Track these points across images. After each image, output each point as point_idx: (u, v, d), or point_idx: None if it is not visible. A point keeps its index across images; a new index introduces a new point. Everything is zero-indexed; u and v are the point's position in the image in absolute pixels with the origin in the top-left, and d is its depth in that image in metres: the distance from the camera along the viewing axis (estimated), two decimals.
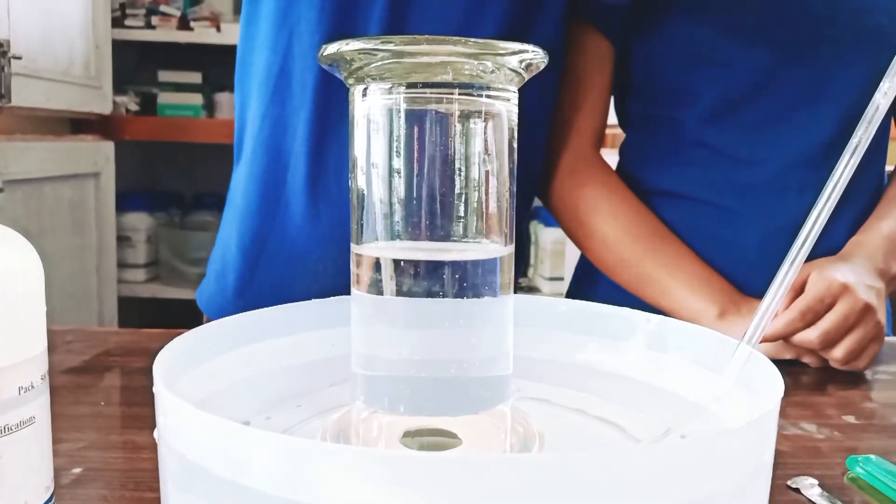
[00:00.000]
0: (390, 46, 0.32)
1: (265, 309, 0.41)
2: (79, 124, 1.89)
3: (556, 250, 2.08)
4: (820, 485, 0.43)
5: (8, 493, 0.29)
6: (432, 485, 0.23)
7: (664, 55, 0.77)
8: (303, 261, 0.70)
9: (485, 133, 0.34)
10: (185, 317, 0.85)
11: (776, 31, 0.73)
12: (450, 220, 0.34)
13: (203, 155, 2.28)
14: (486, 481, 0.23)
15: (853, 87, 0.72)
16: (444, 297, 0.34)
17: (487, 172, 0.35)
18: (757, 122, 0.74)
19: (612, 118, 0.84)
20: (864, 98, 0.37)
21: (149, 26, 2.05)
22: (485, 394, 0.36)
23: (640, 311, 0.43)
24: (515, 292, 0.38)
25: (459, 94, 0.33)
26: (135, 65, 2.26)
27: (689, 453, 0.25)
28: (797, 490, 0.42)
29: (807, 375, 0.64)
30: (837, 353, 0.63)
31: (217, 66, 2.13)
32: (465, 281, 0.34)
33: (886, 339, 0.67)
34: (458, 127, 0.34)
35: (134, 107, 2.10)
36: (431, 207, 0.34)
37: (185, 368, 0.35)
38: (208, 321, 0.39)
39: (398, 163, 0.34)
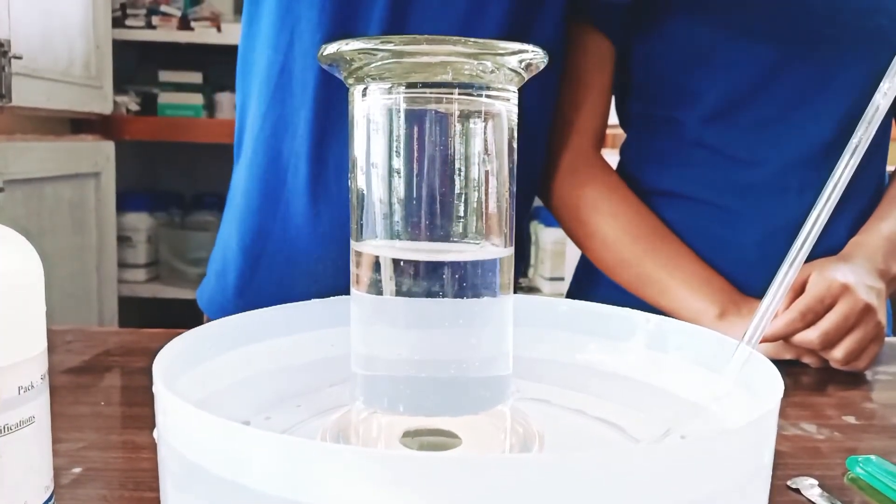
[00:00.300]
0: (390, 46, 0.32)
1: (265, 309, 0.41)
2: (79, 124, 1.89)
3: (556, 250, 2.08)
4: (820, 485, 0.43)
5: (8, 493, 0.29)
6: (432, 485, 0.23)
7: (664, 55, 0.77)
8: (303, 261, 0.70)
9: (484, 133, 0.34)
10: (186, 317, 0.85)
11: (777, 31, 0.73)
12: (449, 220, 0.34)
13: (203, 155, 2.28)
14: (485, 481, 0.23)
15: (853, 87, 0.72)
16: (443, 297, 0.34)
17: (487, 172, 0.35)
18: (757, 123, 0.74)
19: (613, 118, 0.84)
20: (865, 98, 0.37)
21: (149, 26, 2.05)
22: (485, 394, 0.36)
23: (639, 312, 0.43)
24: (515, 292, 0.38)
25: (459, 93, 0.33)
26: (135, 65, 2.26)
27: (689, 453, 0.25)
28: (797, 490, 0.42)
29: (807, 376, 0.64)
30: (838, 353, 0.63)
31: (217, 66, 2.13)
32: (465, 281, 0.34)
33: (887, 339, 0.67)
34: (458, 127, 0.34)
35: (134, 107, 2.10)
36: (431, 207, 0.34)
37: (184, 368, 0.35)
38: (209, 321, 0.39)
39: (398, 163, 0.34)
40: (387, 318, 0.35)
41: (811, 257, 0.51)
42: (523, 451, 0.35)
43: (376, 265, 0.35)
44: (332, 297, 0.43)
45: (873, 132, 0.36)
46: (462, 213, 0.34)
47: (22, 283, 0.30)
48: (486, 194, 0.35)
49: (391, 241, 0.34)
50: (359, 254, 0.36)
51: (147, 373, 0.30)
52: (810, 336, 0.62)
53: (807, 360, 0.66)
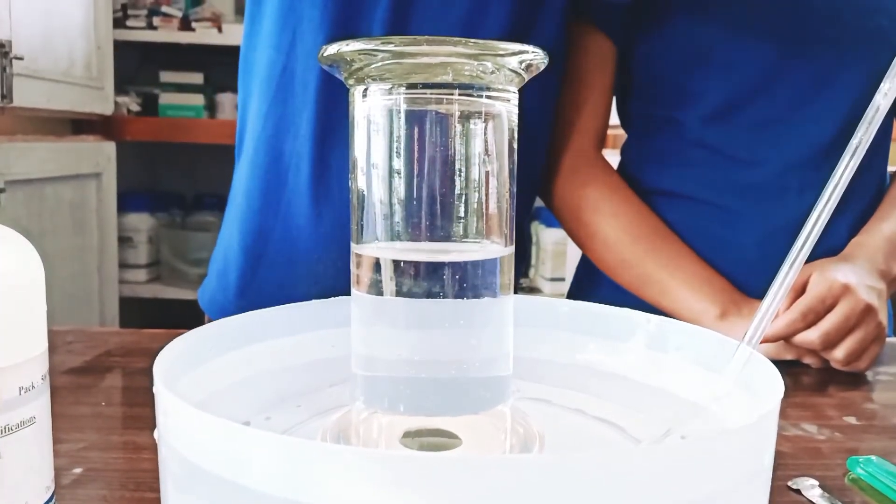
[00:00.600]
0: (390, 47, 0.32)
1: (265, 309, 0.41)
2: (80, 125, 1.90)
3: (557, 251, 2.08)
4: (820, 486, 0.43)
5: (8, 493, 0.29)
6: (432, 485, 0.23)
7: (665, 55, 0.77)
8: (304, 261, 0.70)
9: (485, 134, 0.34)
10: (187, 317, 0.85)
11: (777, 31, 0.73)
12: (450, 221, 0.34)
13: (204, 155, 2.28)
14: (486, 482, 0.23)
15: (854, 87, 0.72)
16: (444, 297, 0.34)
17: (487, 173, 0.35)
18: (757, 123, 0.74)
19: (614, 119, 0.84)
20: (865, 99, 0.37)
21: (150, 27, 2.05)
22: (485, 394, 0.36)
23: (640, 312, 0.43)
24: (516, 293, 0.38)
25: (459, 94, 0.33)
26: (136, 65, 2.26)
27: (689, 454, 0.25)
28: (798, 491, 0.42)
29: (807, 376, 0.64)
30: (838, 353, 0.63)
31: (218, 66, 2.13)
32: (465, 281, 0.34)
33: (887, 340, 0.67)
34: (458, 127, 0.34)
35: (135, 107, 2.10)
36: (431, 208, 0.34)
37: (185, 369, 0.35)
38: (210, 321, 0.39)
39: (398, 163, 0.34)
40: (387, 318, 0.36)
41: (812, 258, 0.51)
42: (523, 452, 0.35)
43: (377, 266, 0.35)
44: (332, 298, 0.43)
45: (873, 133, 0.36)
46: (462, 214, 0.34)
47: (23, 283, 0.30)
48: (487, 195, 0.35)
49: (391, 242, 0.34)
50: (359, 254, 0.36)
51: (148, 373, 0.30)
52: (811, 336, 0.62)
53: (807, 360, 0.66)
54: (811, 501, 0.41)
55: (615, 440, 0.39)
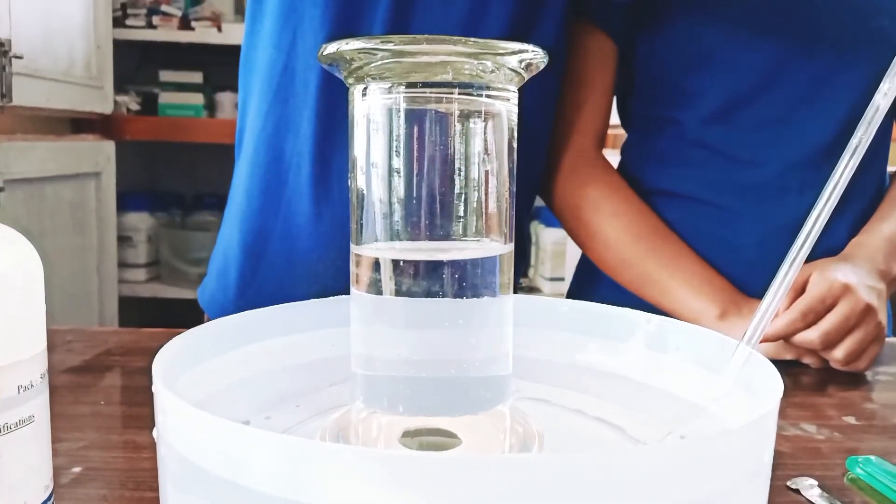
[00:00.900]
0: (390, 46, 0.32)
1: (265, 308, 0.41)
2: (80, 124, 1.90)
3: (556, 251, 2.08)
4: (820, 486, 0.43)
5: (7, 493, 0.29)
6: (432, 485, 0.23)
7: (665, 55, 0.77)
8: (304, 260, 0.70)
9: (484, 133, 0.34)
10: (186, 317, 0.85)
11: (778, 31, 0.73)
12: (449, 220, 0.34)
13: (204, 155, 2.28)
14: (485, 481, 0.23)
15: (854, 88, 0.72)
16: (443, 297, 0.34)
17: (487, 172, 0.34)
18: (758, 123, 0.74)
19: (615, 118, 0.84)
20: (866, 99, 0.37)
21: (150, 26, 2.05)
22: (484, 394, 0.36)
23: (640, 312, 0.43)
24: (516, 292, 0.38)
25: (459, 93, 0.33)
26: (136, 64, 2.26)
27: (689, 454, 0.25)
28: (797, 491, 0.42)
29: (807, 376, 0.64)
30: (838, 353, 0.63)
31: (218, 66, 2.13)
32: (465, 281, 0.34)
33: (887, 340, 0.67)
34: (458, 127, 0.34)
35: (135, 106, 2.10)
36: (431, 207, 0.34)
37: (184, 368, 0.35)
38: (209, 320, 0.39)
39: (398, 162, 0.34)
40: (387, 318, 0.35)
41: (812, 258, 0.51)
42: (523, 452, 0.35)
43: (376, 265, 0.35)
44: (332, 297, 0.43)
45: (873, 133, 0.36)
46: (462, 213, 0.34)
47: (22, 282, 0.30)
48: (486, 194, 0.35)
49: (391, 241, 0.34)
50: (358, 254, 0.36)
51: (147, 372, 0.30)
52: (811, 336, 0.62)
53: (807, 360, 0.66)
54: (810, 501, 0.41)
55: (615, 440, 0.39)
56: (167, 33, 2.05)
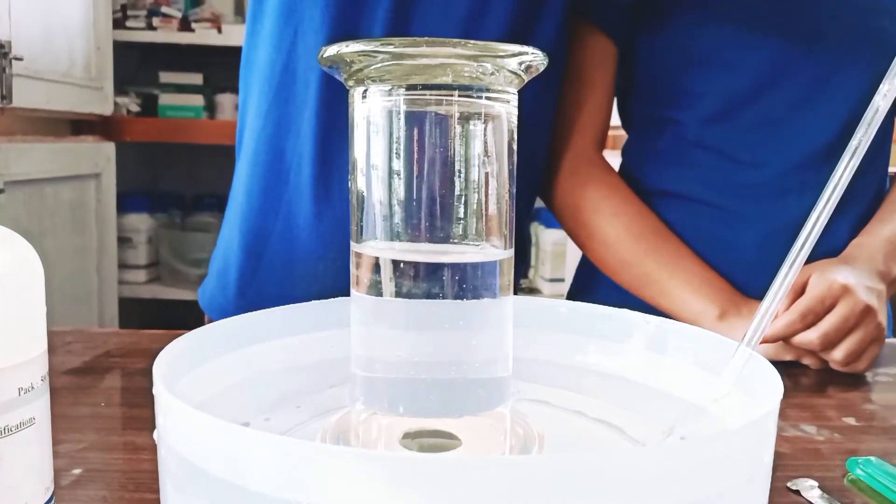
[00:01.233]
0: (390, 48, 0.32)
1: (265, 310, 0.41)
2: (80, 125, 1.90)
3: (556, 252, 2.08)
4: (820, 487, 0.43)
5: (8, 494, 0.29)
6: (432, 486, 0.23)
7: (666, 55, 0.77)
8: (305, 260, 0.70)
9: (484, 135, 0.34)
10: (186, 318, 0.85)
11: (779, 31, 0.73)
12: (449, 222, 0.34)
13: (204, 156, 2.28)
14: (485, 483, 0.23)
15: (855, 88, 0.72)
16: (443, 298, 0.34)
17: (487, 174, 0.35)
18: (758, 124, 0.75)
19: (615, 119, 0.84)
20: (866, 100, 0.37)
21: (150, 27, 2.05)
22: (484, 395, 0.36)
23: (639, 313, 0.43)
24: (516, 294, 0.38)
25: (459, 96, 0.33)
26: (136, 66, 2.26)
27: (689, 455, 0.25)
28: (797, 492, 0.42)
29: (807, 377, 0.64)
30: (837, 354, 0.63)
31: (218, 67, 2.13)
32: (465, 282, 0.34)
33: (887, 341, 0.67)
34: (458, 129, 0.34)
35: (135, 108, 2.10)
36: (431, 209, 0.34)
37: (184, 369, 0.35)
38: (210, 321, 0.39)
39: (398, 165, 0.34)
40: (387, 319, 0.36)
41: (812, 259, 0.51)
42: (523, 453, 0.35)
43: (376, 267, 0.35)
44: (332, 299, 0.43)
45: (873, 134, 0.36)
46: (462, 215, 0.34)
47: (22, 283, 0.30)
48: (486, 196, 0.35)
49: (391, 243, 0.34)
50: (359, 255, 0.36)
51: (147, 374, 0.30)
52: (810, 337, 0.62)
53: (807, 361, 0.66)
54: (810, 502, 0.41)
55: (615, 441, 0.39)
56: (167, 35, 2.05)
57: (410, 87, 0.33)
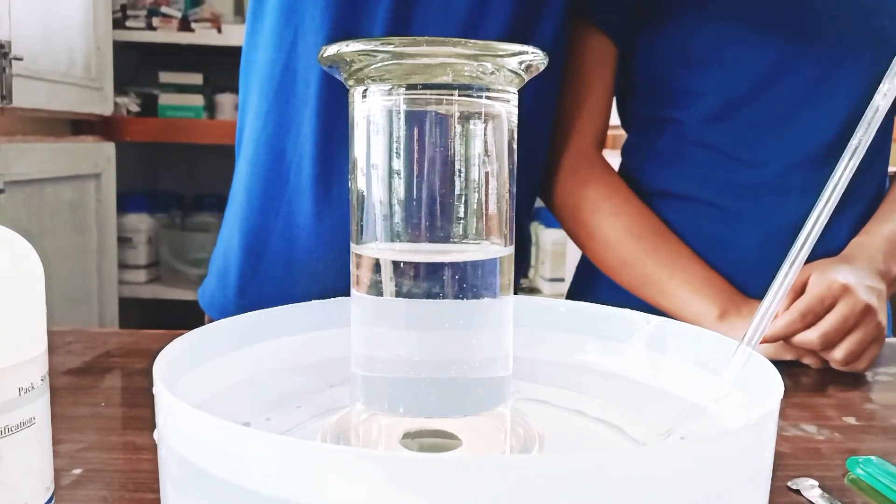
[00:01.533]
0: (390, 48, 0.32)
1: (265, 310, 0.41)
2: (79, 125, 1.90)
3: (556, 251, 2.08)
4: (820, 486, 0.43)
5: (8, 494, 0.29)
6: (432, 486, 0.23)
7: (666, 55, 0.77)
8: (305, 260, 0.70)
9: (484, 134, 0.34)
10: (187, 318, 0.85)
11: (779, 30, 0.73)
12: (449, 222, 0.34)
13: (204, 156, 2.28)
14: (485, 483, 0.23)
15: (855, 88, 0.72)
16: (443, 298, 0.34)
17: (487, 174, 0.35)
18: (759, 123, 0.74)
19: (615, 119, 0.84)
20: (867, 99, 0.37)
21: (150, 27, 2.05)
22: (485, 395, 0.36)
23: (639, 313, 0.43)
24: (516, 293, 0.38)
25: (459, 95, 0.33)
26: (136, 66, 2.26)
27: (689, 454, 0.25)
28: (797, 491, 0.42)
29: (807, 377, 0.64)
30: (838, 354, 0.63)
31: (218, 67, 2.13)
32: (465, 282, 0.34)
33: (887, 340, 0.67)
34: (458, 128, 0.34)
35: (135, 108, 2.10)
36: (431, 209, 0.34)
37: (185, 369, 0.35)
38: (210, 320, 0.39)
39: (398, 164, 0.34)
40: (387, 319, 0.36)
41: (812, 258, 0.51)
42: (523, 453, 0.35)
43: (376, 266, 0.35)
44: (332, 298, 0.43)
45: (873, 133, 0.36)
46: (462, 215, 0.34)
47: (22, 283, 0.30)
48: (486, 195, 0.35)
49: (391, 242, 0.34)
50: (359, 255, 0.36)
51: (147, 374, 0.30)
52: (810, 337, 0.62)
53: (807, 360, 0.66)
54: (811, 502, 0.41)
55: (615, 441, 0.39)
56: (167, 35, 2.05)
57: (410, 87, 0.33)
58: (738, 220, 0.75)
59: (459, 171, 0.34)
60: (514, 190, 0.36)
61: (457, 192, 0.34)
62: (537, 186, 0.80)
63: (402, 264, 0.34)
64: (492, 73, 0.33)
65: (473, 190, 0.34)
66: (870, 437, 0.51)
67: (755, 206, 0.75)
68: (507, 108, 0.35)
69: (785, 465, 0.46)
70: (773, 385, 0.31)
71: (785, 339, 0.63)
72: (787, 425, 0.52)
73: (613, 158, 0.83)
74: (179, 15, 2.06)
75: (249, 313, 0.40)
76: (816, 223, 0.36)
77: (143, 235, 2.13)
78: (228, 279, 0.74)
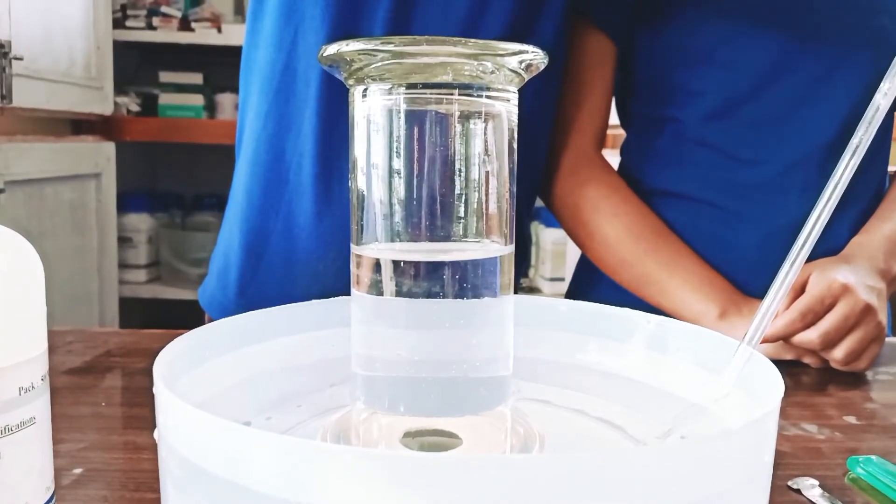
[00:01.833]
0: (390, 47, 0.32)
1: (265, 309, 0.41)
2: (80, 125, 1.90)
3: (556, 251, 2.08)
4: (821, 485, 0.43)
5: (8, 494, 0.29)
6: (432, 485, 0.23)
7: (665, 54, 0.77)
8: (305, 259, 0.70)
9: (485, 134, 0.34)
10: (187, 317, 0.85)
11: (779, 29, 0.73)
12: (450, 221, 0.34)
13: (204, 156, 2.28)
14: (486, 482, 0.23)
15: (856, 87, 0.72)
16: (444, 297, 0.34)
17: (487, 173, 0.35)
18: (759, 122, 0.74)
19: (614, 118, 0.84)
20: (867, 99, 0.37)
21: (150, 27, 2.05)
22: (485, 394, 0.36)
23: (640, 312, 0.43)
24: (516, 293, 0.38)
25: (459, 94, 0.33)
26: (136, 65, 2.26)
27: (690, 454, 0.25)
28: (798, 491, 0.42)
29: (807, 376, 0.64)
30: (838, 353, 0.63)
31: (218, 66, 2.13)
32: (465, 281, 0.34)
33: (887, 339, 0.67)
34: (458, 127, 0.34)
35: (135, 107, 2.10)
36: (431, 208, 0.34)
37: (185, 369, 0.35)
38: (210, 320, 0.39)
39: (398, 163, 0.34)
40: (387, 318, 0.36)
41: (812, 258, 0.51)
42: (524, 452, 0.35)
43: (377, 266, 0.35)
44: (332, 298, 0.43)
45: (873, 133, 0.36)
46: (462, 214, 0.34)
47: (22, 283, 0.30)
48: (487, 195, 0.35)
49: (391, 242, 0.34)
50: (359, 254, 0.36)
51: (148, 373, 0.30)
52: (810, 336, 0.62)
53: (807, 360, 0.66)
54: (811, 501, 0.41)
55: (615, 440, 0.39)
56: (167, 34, 2.05)
57: (411, 86, 0.33)
58: (738, 219, 0.75)
59: (459, 170, 0.34)
60: (515, 189, 0.36)
61: (457, 191, 0.34)
62: (537, 186, 0.80)
63: (402, 264, 0.34)
64: (492, 72, 0.33)
65: (473, 189, 0.34)
66: (870, 436, 0.51)
67: (755, 205, 0.75)
68: (508, 108, 0.35)
69: (785, 464, 0.46)
70: (774, 384, 0.31)
71: (785, 338, 0.63)
72: (787, 424, 0.52)
73: (613, 158, 0.83)
74: (179, 15, 2.06)
75: (249, 313, 0.40)
76: (817, 222, 0.36)
77: (144, 235, 2.13)
78: (229, 279, 0.74)
